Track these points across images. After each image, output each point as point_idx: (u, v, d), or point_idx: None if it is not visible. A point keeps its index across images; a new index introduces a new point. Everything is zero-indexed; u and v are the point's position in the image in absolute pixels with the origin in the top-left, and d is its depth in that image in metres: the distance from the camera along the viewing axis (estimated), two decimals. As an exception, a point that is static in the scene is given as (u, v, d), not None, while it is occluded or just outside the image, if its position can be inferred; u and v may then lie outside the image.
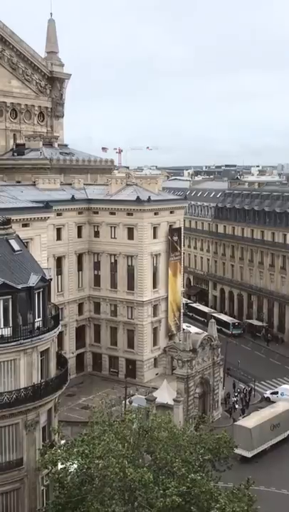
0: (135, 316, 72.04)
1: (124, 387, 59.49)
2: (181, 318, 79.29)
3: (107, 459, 29.78)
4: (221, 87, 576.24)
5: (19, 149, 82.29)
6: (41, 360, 35.60)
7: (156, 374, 73.11)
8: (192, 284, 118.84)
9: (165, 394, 58.27)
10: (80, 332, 74.72)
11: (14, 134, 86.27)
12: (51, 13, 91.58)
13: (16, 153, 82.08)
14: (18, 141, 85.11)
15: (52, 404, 36.97)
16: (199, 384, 61.88)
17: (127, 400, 54.45)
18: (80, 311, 74.63)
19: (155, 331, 73.71)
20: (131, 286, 72.26)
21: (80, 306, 74.67)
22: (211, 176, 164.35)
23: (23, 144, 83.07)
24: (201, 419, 42.07)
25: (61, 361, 39.62)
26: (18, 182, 74.25)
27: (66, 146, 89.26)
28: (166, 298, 74.91)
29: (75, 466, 31.65)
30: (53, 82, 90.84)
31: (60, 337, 65.88)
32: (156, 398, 53.36)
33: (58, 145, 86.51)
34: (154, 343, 73.50)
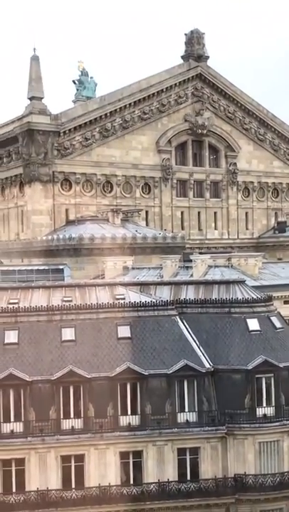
0: None
1: None
2: None
3: None
4: None
5: (280, 227, 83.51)
6: (305, 444, 34.04)
7: None
8: None
9: None
10: None
11: (276, 213, 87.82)
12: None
13: (277, 231, 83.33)
14: (279, 219, 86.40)
15: None
16: None
17: None
18: None
19: None
20: None
21: None
22: None
23: (285, 222, 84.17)
24: None
25: None
26: (280, 259, 74.51)
27: None
28: None
29: None
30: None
31: None
32: None
33: None
34: None
